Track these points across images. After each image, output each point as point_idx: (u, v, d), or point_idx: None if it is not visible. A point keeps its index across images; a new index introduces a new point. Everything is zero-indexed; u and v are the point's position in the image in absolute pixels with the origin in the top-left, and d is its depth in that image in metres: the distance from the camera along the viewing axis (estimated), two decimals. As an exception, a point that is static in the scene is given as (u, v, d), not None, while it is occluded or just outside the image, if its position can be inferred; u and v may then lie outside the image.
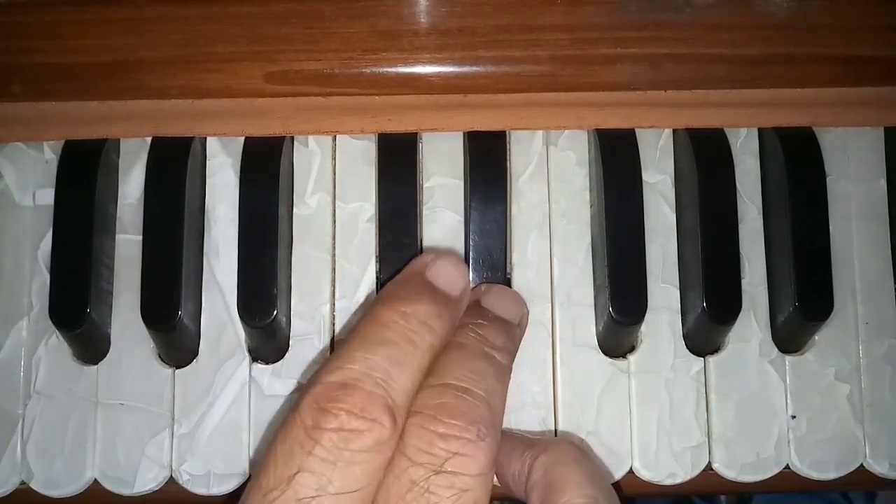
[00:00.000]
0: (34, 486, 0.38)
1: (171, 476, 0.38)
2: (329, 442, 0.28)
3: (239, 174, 0.39)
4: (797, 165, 0.39)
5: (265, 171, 0.39)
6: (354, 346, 0.31)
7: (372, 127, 0.40)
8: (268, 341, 0.38)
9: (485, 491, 0.30)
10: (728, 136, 0.40)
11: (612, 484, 0.38)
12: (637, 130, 0.40)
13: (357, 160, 0.40)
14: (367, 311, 0.33)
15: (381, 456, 0.29)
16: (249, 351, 0.39)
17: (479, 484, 0.30)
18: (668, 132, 0.41)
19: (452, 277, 0.34)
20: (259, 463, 0.30)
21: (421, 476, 0.29)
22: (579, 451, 0.32)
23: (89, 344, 0.39)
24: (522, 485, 0.32)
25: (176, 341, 0.38)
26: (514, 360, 0.35)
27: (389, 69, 0.39)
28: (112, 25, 0.39)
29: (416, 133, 0.40)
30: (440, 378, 0.32)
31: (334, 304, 0.39)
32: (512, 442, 0.34)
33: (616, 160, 0.39)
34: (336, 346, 0.39)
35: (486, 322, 0.35)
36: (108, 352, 0.39)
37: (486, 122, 0.40)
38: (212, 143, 0.40)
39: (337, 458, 0.28)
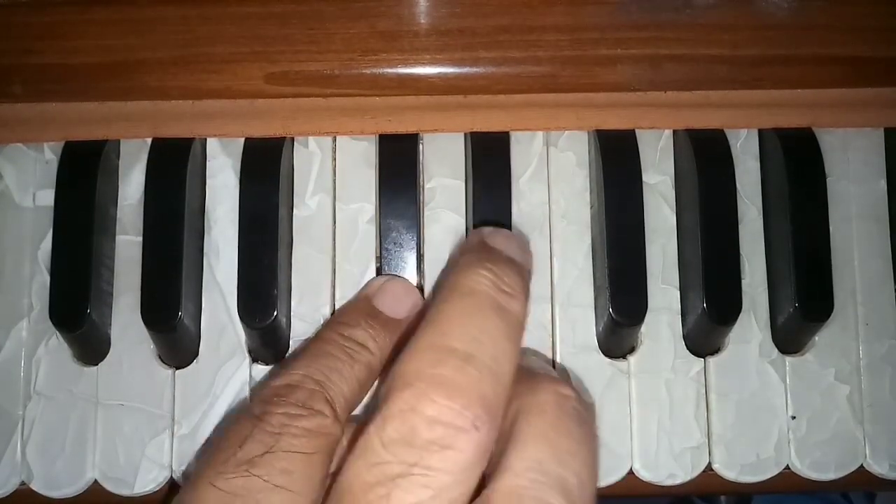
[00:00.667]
0: (34, 486, 0.38)
1: (172, 477, 0.38)
2: (276, 420, 0.30)
3: (239, 175, 0.39)
4: (797, 166, 0.39)
5: (265, 171, 0.39)
6: (297, 360, 0.33)
7: (372, 128, 0.40)
8: (268, 342, 0.38)
9: (466, 488, 0.25)
10: (728, 136, 0.40)
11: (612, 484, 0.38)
12: (637, 131, 0.40)
13: (357, 161, 0.40)
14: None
15: (325, 440, 0.30)
16: (250, 352, 0.39)
17: (459, 481, 0.25)
18: (668, 133, 0.41)
19: (397, 299, 0.36)
20: (204, 453, 0.32)
21: (391, 474, 0.25)
22: (556, 398, 0.28)
23: (89, 345, 0.39)
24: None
25: (176, 342, 0.38)
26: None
27: (390, 70, 0.39)
28: (112, 26, 0.39)
29: (416, 134, 0.40)
30: (442, 335, 0.27)
31: (334, 305, 0.39)
32: None
33: (616, 161, 0.39)
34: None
35: (498, 263, 0.30)
36: (108, 352, 0.39)
37: (486, 122, 0.40)
38: (212, 144, 0.40)
39: (282, 431, 0.30)
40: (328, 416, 0.31)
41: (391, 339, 0.36)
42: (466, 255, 0.31)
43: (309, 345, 0.34)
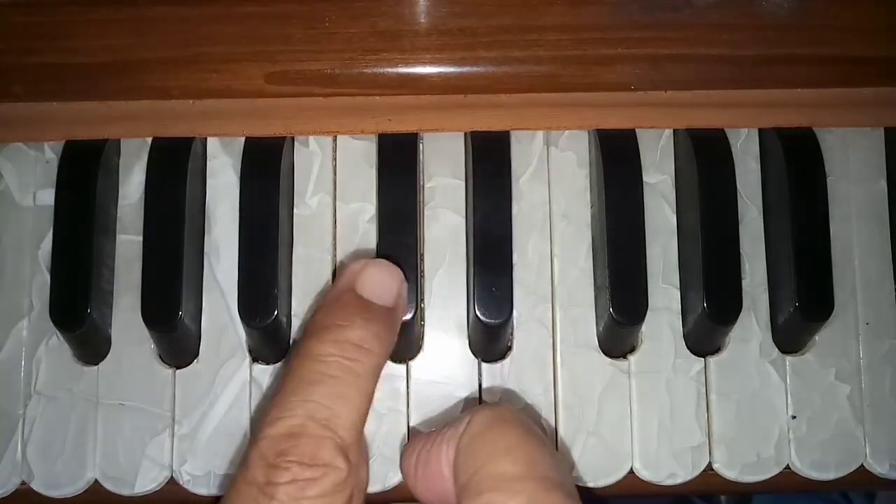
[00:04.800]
0: (35, 486, 0.38)
1: (172, 476, 0.38)
2: (285, 495, 0.27)
3: (239, 174, 0.39)
4: (797, 166, 0.39)
5: (266, 171, 0.39)
6: (290, 391, 0.29)
7: (372, 127, 0.40)
8: (268, 342, 0.38)
9: None
10: (728, 136, 0.40)
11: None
12: (637, 131, 0.40)
13: (358, 160, 0.40)
14: (299, 345, 0.31)
15: (342, 496, 0.28)
16: (250, 351, 0.39)
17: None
18: (668, 132, 0.41)
19: (384, 285, 0.32)
20: None
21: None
22: (497, 413, 0.28)
23: (90, 344, 0.39)
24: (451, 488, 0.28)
25: (176, 342, 0.38)
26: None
27: (390, 69, 0.39)
28: (113, 26, 0.39)
29: (416, 133, 0.40)
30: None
31: (335, 305, 0.39)
32: (432, 440, 0.30)
33: (616, 161, 0.39)
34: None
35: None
36: (108, 352, 0.39)
37: (486, 122, 0.40)
38: (212, 144, 0.40)
39: None
40: (342, 467, 0.27)
41: (391, 332, 0.32)
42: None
43: (298, 365, 0.30)
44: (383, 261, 0.34)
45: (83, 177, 0.39)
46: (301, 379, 0.29)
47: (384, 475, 0.38)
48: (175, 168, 0.39)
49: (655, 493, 0.38)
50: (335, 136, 0.40)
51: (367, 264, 0.33)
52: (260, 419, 0.29)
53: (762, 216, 0.40)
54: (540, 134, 0.40)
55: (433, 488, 0.29)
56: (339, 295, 0.32)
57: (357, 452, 0.29)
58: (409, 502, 0.36)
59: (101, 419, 0.38)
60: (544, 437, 0.28)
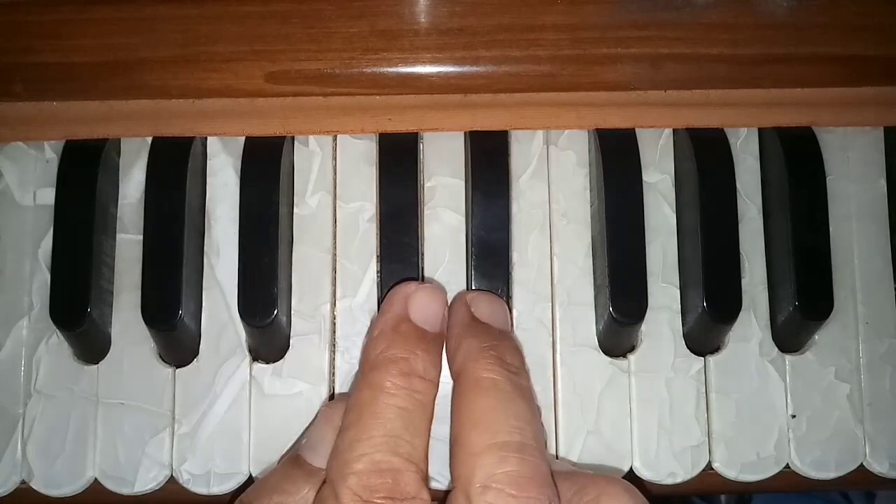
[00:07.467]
0: (34, 485, 0.38)
1: (172, 475, 0.38)
2: None
3: (239, 174, 0.39)
4: (797, 165, 0.39)
5: (266, 170, 0.39)
6: (368, 425, 0.31)
7: (372, 127, 0.40)
8: (268, 341, 0.38)
9: None
10: (728, 135, 0.40)
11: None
12: (637, 130, 0.40)
13: (358, 160, 0.40)
14: (363, 375, 0.33)
15: None
16: (250, 350, 0.39)
17: None
18: (668, 132, 0.41)
19: (433, 310, 0.34)
20: None
21: None
22: (640, 501, 0.31)
23: (90, 343, 0.39)
24: None
25: (176, 341, 0.38)
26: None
27: (390, 69, 0.39)
28: (112, 25, 0.39)
29: (416, 133, 0.40)
30: (491, 434, 0.30)
31: (335, 304, 0.39)
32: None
33: (616, 160, 0.39)
34: (336, 389, 0.38)
35: (497, 342, 0.34)
36: (108, 351, 0.39)
37: (486, 121, 0.40)
38: (212, 143, 0.40)
39: None
40: (426, 498, 0.30)
41: (441, 356, 0.34)
42: (467, 339, 0.33)
43: (372, 398, 0.32)
44: (429, 284, 0.36)
45: (83, 176, 0.39)
46: (376, 414, 0.31)
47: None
48: (175, 167, 0.39)
49: (655, 492, 0.38)
50: (335, 136, 0.40)
51: (418, 289, 0.35)
52: (338, 452, 0.31)
53: (762, 215, 0.40)
54: (540, 133, 0.40)
55: None
56: (395, 324, 0.34)
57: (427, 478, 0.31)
58: None
59: (101, 418, 0.38)
60: None
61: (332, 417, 0.34)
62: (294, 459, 0.34)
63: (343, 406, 0.33)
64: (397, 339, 0.33)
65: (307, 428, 0.37)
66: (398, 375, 0.32)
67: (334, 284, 0.39)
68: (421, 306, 0.34)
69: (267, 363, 0.39)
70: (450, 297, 0.38)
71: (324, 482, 0.32)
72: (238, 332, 0.39)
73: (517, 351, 0.35)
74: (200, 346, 0.39)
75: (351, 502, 0.29)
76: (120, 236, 0.40)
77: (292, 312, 0.39)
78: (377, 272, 0.39)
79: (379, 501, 0.29)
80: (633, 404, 0.39)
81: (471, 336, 0.34)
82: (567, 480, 0.32)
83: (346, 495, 0.29)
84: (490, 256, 0.38)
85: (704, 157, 0.39)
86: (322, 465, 0.32)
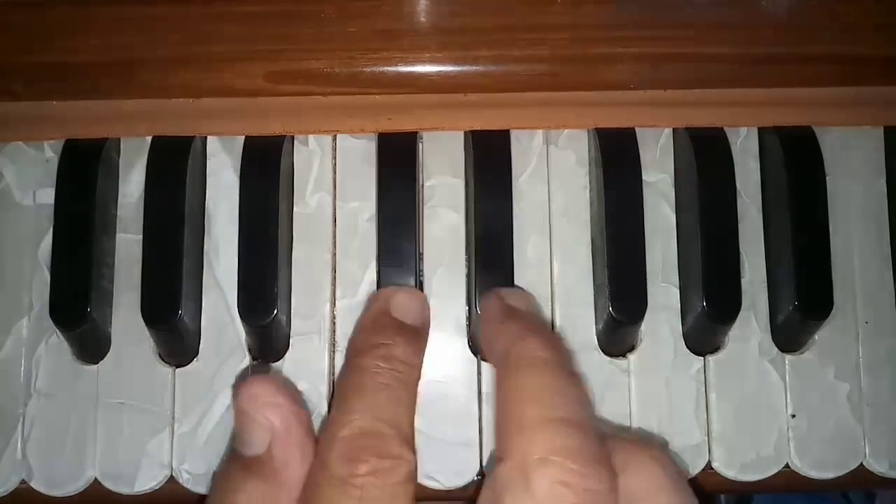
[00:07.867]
0: (34, 485, 0.38)
1: (172, 475, 0.38)
2: (369, 484, 0.29)
3: (239, 173, 0.39)
4: (797, 165, 0.39)
5: (265, 170, 0.39)
6: (352, 398, 0.32)
7: (372, 126, 0.40)
8: (268, 340, 0.38)
9: None
10: (728, 135, 0.40)
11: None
12: (637, 130, 0.40)
13: (357, 159, 0.40)
14: (348, 363, 0.34)
15: (412, 484, 0.30)
16: (250, 350, 0.39)
17: None
18: (668, 132, 0.41)
19: (413, 308, 0.36)
20: None
21: None
22: (671, 472, 0.30)
23: (90, 343, 0.39)
24: None
25: (176, 340, 0.38)
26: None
27: (390, 68, 0.39)
28: (113, 24, 0.39)
29: (416, 132, 0.40)
30: (549, 409, 0.30)
31: (335, 304, 0.39)
32: None
33: (616, 159, 0.39)
34: (336, 382, 0.39)
35: (542, 327, 0.34)
36: (108, 351, 0.39)
37: (486, 121, 0.40)
38: (212, 143, 0.40)
39: (382, 495, 0.29)
40: (411, 459, 0.30)
41: (423, 348, 0.35)
42: (509, 323, 0.34)
43: (354, 379, 0.33)
44: (410, 287, 0.38)
45: (83, 176, 0.39)
46: (360, 389, 0.32)
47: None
48: (175, 167, 0.39)
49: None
50: (335, 135, 0.40)
51: (397, 290, 0.37)
52: (326, 430, 0.31)
53: (762, 215, 0.40)
54: (539, 133, 0.40)
55: None
56: (377, 317, 0.36)
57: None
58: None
59: (101, 418, 0.38)
60: None
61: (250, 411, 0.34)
62: (231, 457, 0.33)
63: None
64: (378, 329, 0.35)
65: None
66: (379, 358, 0.33)
67: (334, 284, 0.39)
68: (401, 303, 0.36)
69: (267, 363, 0.39)
70: (445, 298, 0.39)
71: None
72: (238, 331, 0.39)
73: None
74: (200, 346, 0.39)
75: (336, 463, 0.30)
76: (120, 236, 0.40)
77: (292, 312, 0.39)
78: (377, 272, 0.39)
79: (364, 458, 0.30)
80: (632, 404, 0.39)
81: (514, 320, 0.34)
82: None
83: (333, 460, 0.30)
84: (492, 256, 0.38)
85: (704, 156, 0.39)
86: (257, 452, 0.32)
